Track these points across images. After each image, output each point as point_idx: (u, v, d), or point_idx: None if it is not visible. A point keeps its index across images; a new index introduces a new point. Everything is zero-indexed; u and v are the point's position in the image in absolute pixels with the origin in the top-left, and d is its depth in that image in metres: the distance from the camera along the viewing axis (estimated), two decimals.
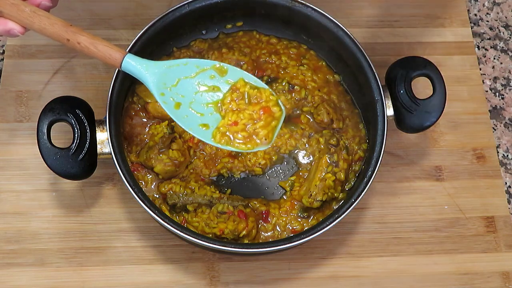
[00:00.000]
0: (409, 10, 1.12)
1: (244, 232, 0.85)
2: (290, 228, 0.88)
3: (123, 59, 0.74)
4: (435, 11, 1.07)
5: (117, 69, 0.86)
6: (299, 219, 0.89)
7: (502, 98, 1.07)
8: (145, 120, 0.92)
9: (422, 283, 0.93)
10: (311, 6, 0.93)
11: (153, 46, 0.93)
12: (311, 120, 0.94)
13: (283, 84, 0.95)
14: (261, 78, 0.95)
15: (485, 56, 1.10)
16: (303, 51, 1.00)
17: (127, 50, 0.86)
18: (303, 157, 0.93)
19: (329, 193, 0.88)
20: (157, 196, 0.89)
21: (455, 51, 1.09)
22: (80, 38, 0.73)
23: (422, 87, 1.05)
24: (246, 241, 0.86)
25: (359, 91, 0.95)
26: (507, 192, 1.01)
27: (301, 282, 0.92)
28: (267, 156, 0.92)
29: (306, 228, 0.88)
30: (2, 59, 1.03)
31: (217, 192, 0.88)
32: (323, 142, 0.91)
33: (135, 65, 0.75)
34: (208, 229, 0.85)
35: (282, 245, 0.81)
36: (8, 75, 1.01)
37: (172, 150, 0.87)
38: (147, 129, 0.91)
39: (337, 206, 0.89)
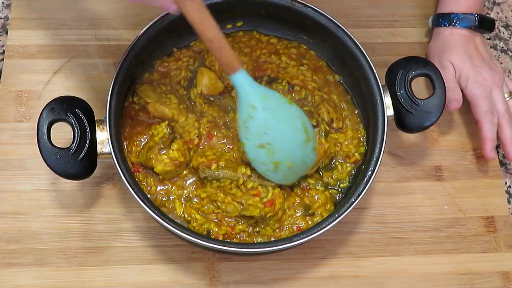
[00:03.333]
0: (409, 10, 1.12)
1: (270, 214, 0.85)
2: (295, 227, 0.88)
3: (240, 70, 0.80)
4: (435, 11, 1.07)
5: (117, 69, 0.86)
6: (307, 217, 0.89)
7: None
8: (145, 120, 0.92)
9: (422, 283, 0.93)
10: (311, 6, 0.93)
11: (153, 46, 0.93)
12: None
13: (283, 84, 0.95)
14: (261, 78, 0.95)
15: None
16: (303, 51, 1.00)
17: (128, 49, 0.87)
18: None
19: None
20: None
21: None
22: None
23: (422, 87, 1.05)
24: (272, 222, 0.86)
25: (359, 91, 0.95)
26: (507, 192, 1.01)
27: (301, 282, 0.92)
28: None
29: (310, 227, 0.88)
30: (2, 59, 1.03)
31: (249, 169, 0.88)
32: None
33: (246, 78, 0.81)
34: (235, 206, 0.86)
35: (282, 245, 0.81)
36: (8, 75, 1.01)
37: (172, 150, 0.87)
38: (147, 129, 0.91)
39: (307, 185, 0.91)
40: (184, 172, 0.89)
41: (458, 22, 1.01)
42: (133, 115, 0.92)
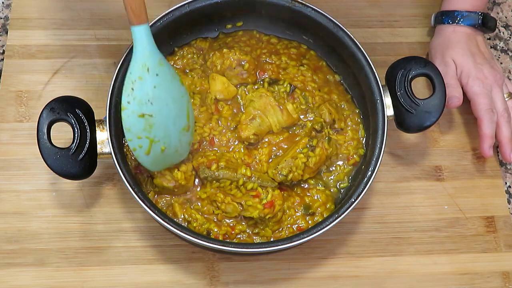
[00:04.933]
0: (409, 10, 1.12)
1: (269, 215, 0.85)
2: (295, 227, 0.88)
3: (145, 24, 0.76)
4: (435, 11, 1.07)
5: (117, 69, 0.86)
6: (307, 217, 0.89)
7: None
8: None
9: (422, 283, 0.93)
10: (311, 6, 0.93)
11: None
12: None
13: (285, 85, 0.94)
14: (262, 79, 0.95)
15: None
16: (303, 51, 1.00)
17: (128, 49, 0.87)
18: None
19: (295, 173, 0.88)
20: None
21: None
22: None
23: (422, 87, 1.05)
24: (271, 223, 0.86)
25: (359, 91, 0.95)
26: (507, 192, 1.01)
27: (301, 282, 0.92)
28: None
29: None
30: (2, 59, 1.03)
31: (249, 170, 0.88)
32: (309, 126, 0.91)
33: (146, 36, 0.77)
34: (235, 207, 0.86)
35: (282, 245, 0.81)
36: (8, 75, 1.01)
37: (179, 170, 0.86)
38: None
39: (306, 185, 0.90)
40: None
41: (461, 20, 1.01)
42: None
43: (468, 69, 0.98)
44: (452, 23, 1.02)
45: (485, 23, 1.01)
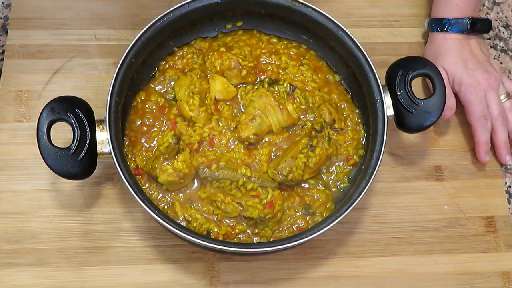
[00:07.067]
0: (409, 10, 1.12)
1: (269, 215, 0.85)
2: (295, 227, 0.88)
3: None
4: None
5: (117, 69, 0.86)
6: (307, 217, 0.89)
7: None
8: (153, 121, 0.92)
9: (422, 283, 0.93)
10: (311, 6, 0.93)
11: (153, 46, 0.93)
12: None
13: (285, 85, 0.94)
14: (262, 80, 0.95)
15: None
16: (303, 51, 1.00)
17: (128, 49, 0.87)
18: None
19: (295, 173, 0.88)
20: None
21: None
22: None
23: (422, 87, 1.05)
24: (271, 223, 0.86)
25: (359, 91, 0.95)
26: (507, 192, 1.01)
27: (301, 282, 0.92)
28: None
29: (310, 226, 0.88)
30: (2, 59, 1.03)
31: (249, 170, 0.88)
32: (309, 126, 0.92)
33: None
34: (234, 207, 0.86)
35: (282, 245, 0.81)
36: (8, 75, 1.01)
37: (178, 161, 0.86)
38: (156, 131, 0.91)
39: (306, 185, 0.90)
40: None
41: (450, 27, 1.00)
42: (143, 115, 0.92)
43: (459, 76, 0.98)
44: (441, 31, 1.01)
45: (474, 28, 1.00)
